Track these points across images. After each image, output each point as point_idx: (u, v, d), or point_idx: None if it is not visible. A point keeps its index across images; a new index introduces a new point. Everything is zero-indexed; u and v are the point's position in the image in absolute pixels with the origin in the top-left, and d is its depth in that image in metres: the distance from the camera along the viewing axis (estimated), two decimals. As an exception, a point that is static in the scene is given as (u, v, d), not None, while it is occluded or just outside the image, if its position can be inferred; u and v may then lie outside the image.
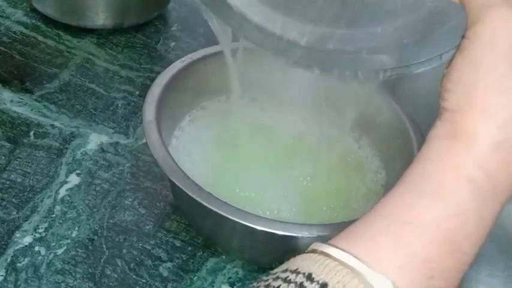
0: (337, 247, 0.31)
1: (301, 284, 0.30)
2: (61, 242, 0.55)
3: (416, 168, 0.34)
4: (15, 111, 0.67)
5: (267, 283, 0.31)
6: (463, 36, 0.33)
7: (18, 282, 0.52)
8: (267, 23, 0.47)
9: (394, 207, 0.33)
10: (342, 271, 0.30)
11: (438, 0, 0.41)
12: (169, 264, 0.55)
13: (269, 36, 0.47)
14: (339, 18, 0.44)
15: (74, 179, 0.61)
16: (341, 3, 0.44)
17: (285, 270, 0.32)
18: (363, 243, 0.32)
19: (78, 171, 0.62)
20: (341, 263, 0.31)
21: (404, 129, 0.58)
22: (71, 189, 0.60)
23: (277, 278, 0.32)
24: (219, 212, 0.48)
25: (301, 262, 0.32)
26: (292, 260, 0.33)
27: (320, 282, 0.30)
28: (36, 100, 0.69)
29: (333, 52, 0.46)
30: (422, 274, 0.31)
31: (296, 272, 0.31)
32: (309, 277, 0.31)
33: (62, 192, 0.60)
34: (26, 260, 0.54)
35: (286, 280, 0.31)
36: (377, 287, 0.30)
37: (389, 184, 0.58)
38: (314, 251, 0.32)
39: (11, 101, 0.69)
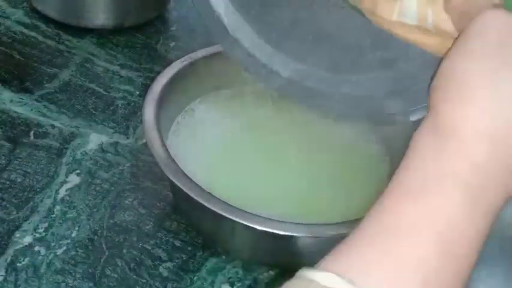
0: (320, 269, 0.29)
1: None
2: (61, 242, 0.55)
3: (400, 169, 0.32)
4: (15, 111, 0.67)
5: None
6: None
7: (18, 282, 0.52)
8: (255, 51, 0.49)
9: (379, 211, 0.31)
10: None
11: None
12: (169, 264, 0.55)
13: (255, 61, 0.49)
14: (321, 61, 0.47)
15: (74, 179, 0.61)
16: (328, 47, 0.46)
17: None
18: (349, 257, 0.30)
19: (78, 171, 0.62)
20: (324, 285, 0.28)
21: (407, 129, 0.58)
22: (70, 189, 0.60)
23: None
24: (219, 212, 0.48)
25: None
26: None
27: None
28: (36, 100, 0.69)
29: (312, 89, 0.48)
30: (415, 282, 0.28)
31: None
32: None
33: (62, 192, 0.60)
34: (26, 260, 0.54)
35: None
36: None
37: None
38: (299, 278, 0.30)
39: (11, 101, 0.69)
